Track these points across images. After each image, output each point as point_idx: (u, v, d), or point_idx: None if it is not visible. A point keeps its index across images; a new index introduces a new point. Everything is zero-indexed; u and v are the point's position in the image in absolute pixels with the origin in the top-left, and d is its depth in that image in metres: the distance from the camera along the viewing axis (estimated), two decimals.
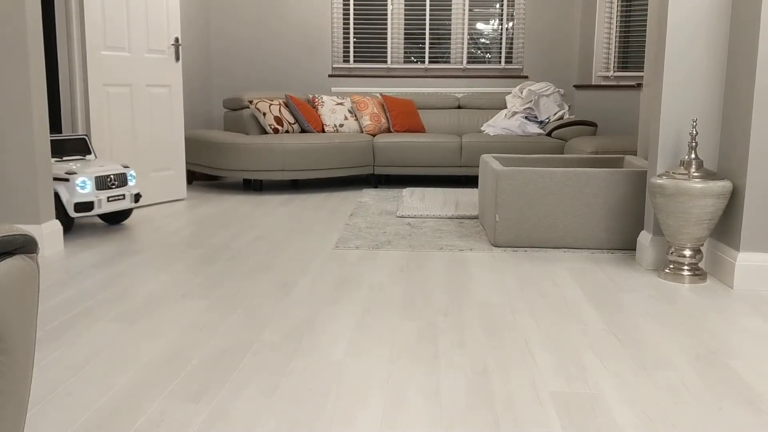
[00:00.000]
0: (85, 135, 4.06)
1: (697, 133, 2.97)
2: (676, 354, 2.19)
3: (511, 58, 6.78)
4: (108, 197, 3.80)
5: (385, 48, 6.76)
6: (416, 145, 5.70)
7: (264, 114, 5.64)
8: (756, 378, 2.00)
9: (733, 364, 2.11)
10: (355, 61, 6.77)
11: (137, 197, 4.02)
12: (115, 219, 4.15)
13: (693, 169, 2.94)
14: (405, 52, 6.80)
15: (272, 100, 5.78)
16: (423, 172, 5.75)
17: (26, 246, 1.11)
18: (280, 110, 5.74)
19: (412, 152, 5.69)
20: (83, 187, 3.69)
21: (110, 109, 4.41)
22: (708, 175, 2.93)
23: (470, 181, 5.95)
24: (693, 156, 2.96)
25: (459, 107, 6.46)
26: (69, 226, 3.80)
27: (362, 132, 5.94)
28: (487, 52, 6.87)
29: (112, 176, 3.84)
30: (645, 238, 3.29)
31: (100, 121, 4.34)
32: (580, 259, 3.39)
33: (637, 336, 2.34)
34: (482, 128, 6.12)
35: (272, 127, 5.62)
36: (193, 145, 5.63)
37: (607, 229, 3.56)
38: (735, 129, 2.96)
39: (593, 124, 5.78)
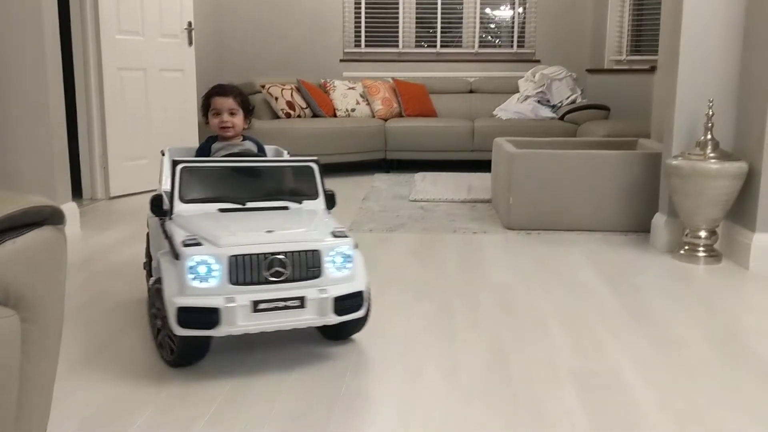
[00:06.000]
0: (315, 160, 2.16)
1: (713, 114, 2.95)
2: (692, 333, 2.19)
3: (523, 42, 6.75)
4: (257, 303, 1.79)
5: (397, 32, 6.73)
6: (428, 130, 5.69)
7: (276, 99, 5.64)
8: None
9: (750, 343, 2.11)
10: (366, 46, 6.75)
11: (347, 304, 1.89)
12: (334, 331, 2.08)
13: (709, 150, 2.93)
14: (416, 37, 6.77)
15: (284, 85, 5.78)
16: (435, 157, 5.74)
17: (54, 217, 1.12)
18: (292, 95, 5.74)
19: (424, 137, 5.68)
20: (201, 277, 1.77)
21: (124, 94, 4.43)
22: (724, 156, 2.92)
23: (482, 166, 5.92)
24: (709, 137, 2.94)
25: (471, 92, 6.43)
26: (186, 355, 1.90)
27: (374, 117, 5.93)
28: (497, 38, 6.83)
29: (278, 257, 1.81)
30: (659, 220, 3.28)
31: (114, 106, 4.36)
32: (594, 241, 3.39)
33: (652, 315, 2.34)
34: (494, 112, 6.09)
35: (284, 111, 5.63)
36: (206, 130, 5.64)
37: (620, 212, 3.55)
38: (751, 110, 2.94)
39: (606, 108, 5.75)
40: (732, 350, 2.05)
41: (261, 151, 2.41)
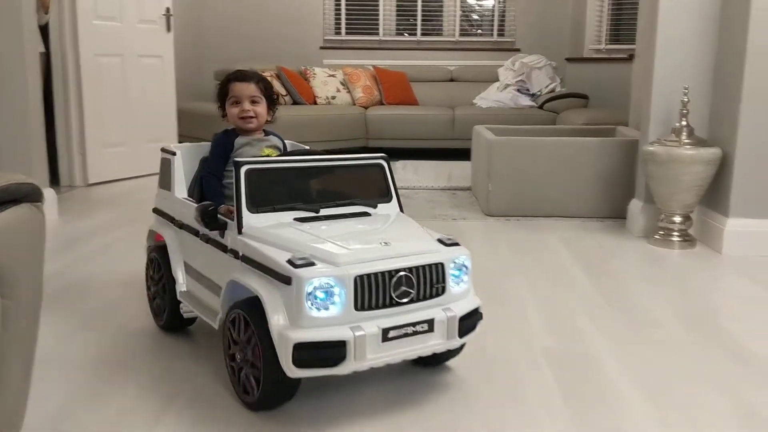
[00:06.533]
0: (384, 157, 1.87)
1: (688, 101, 2.99)
2: (666, 314, 2.23)
3: (504, 31, 6.77)
4: (387, 330, 1.50)
5: (377, 20, 6.72)
6: (409, 118, 5.71)
7: None
8: (744, 335, 2.05)
9: (722, 323, 2.15)
10: (346, 33, 6.74)
11: (469, 323, 1.64)
12: (434, 356, 1.73)
13: (684, 137, 2.97)
14: (397, 25, 6.77)
15: (264, 72, 5.75)
16: (415, 145, 5.75)
17: (32, 195, 1.12)
18: (271, 82, 5.71)
19: (405, 125, 5.70)
20: (320, 305, 1.46)
21: (102, 80, 4.39)
22: (699, 143, 2.96)
23: (462, 154, 5.95)
24: (684, 123, 2.99)
25: (451, 80, 6.45)
26: (271, 402, 1.57)
27: (354, 104, 5.94)
28: (478, 26, 6.85)
29: (405, 275, 1.53)
30: (636, 206, 3.33)
31: (91, 92, 4.32)
32: (572, 227, 3.42)
33: (627, 298, 2.38)
34: (475, 101, 6.12)
35: None
36: (185, 116, 5.60)
37: (598, 198, 3.59)
38: (725, 97, 2.99)
39: (585, 97, 5.80)
40: (704, 330, 2.10)
41: (285, 149, 2.12)
